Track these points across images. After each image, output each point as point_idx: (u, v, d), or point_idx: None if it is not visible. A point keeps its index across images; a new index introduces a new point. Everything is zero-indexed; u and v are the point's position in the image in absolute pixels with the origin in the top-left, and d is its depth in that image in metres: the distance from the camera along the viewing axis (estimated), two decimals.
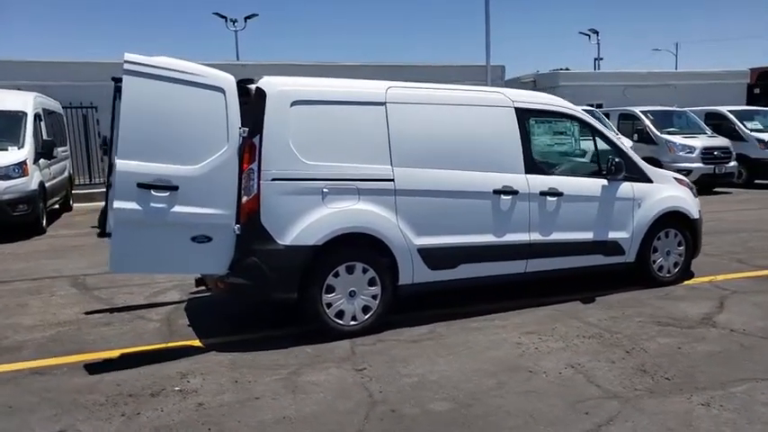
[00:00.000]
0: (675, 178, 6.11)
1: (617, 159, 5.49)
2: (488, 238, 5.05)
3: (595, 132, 5.63)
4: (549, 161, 5.39)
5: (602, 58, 42.01)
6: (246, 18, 31.74)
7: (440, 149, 4.89)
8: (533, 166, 5.23)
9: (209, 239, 4.27)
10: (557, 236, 5.32)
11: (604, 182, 5.56)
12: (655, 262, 5.87)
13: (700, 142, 14.16)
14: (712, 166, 13.90)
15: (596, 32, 40.10)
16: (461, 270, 4.96)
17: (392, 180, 4.67)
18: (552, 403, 3.45)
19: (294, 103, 4.44)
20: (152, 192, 4.08)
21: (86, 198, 14.07)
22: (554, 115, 5.54)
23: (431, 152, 4.84)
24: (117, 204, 4.01)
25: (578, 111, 5.63)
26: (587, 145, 5.72)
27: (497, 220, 5.07)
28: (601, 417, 3.27)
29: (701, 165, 13.80)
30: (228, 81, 4.33)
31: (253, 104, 4.39)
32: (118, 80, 5.38)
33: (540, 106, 5.44)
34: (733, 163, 14.27)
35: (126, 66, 4.01)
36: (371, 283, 4.64)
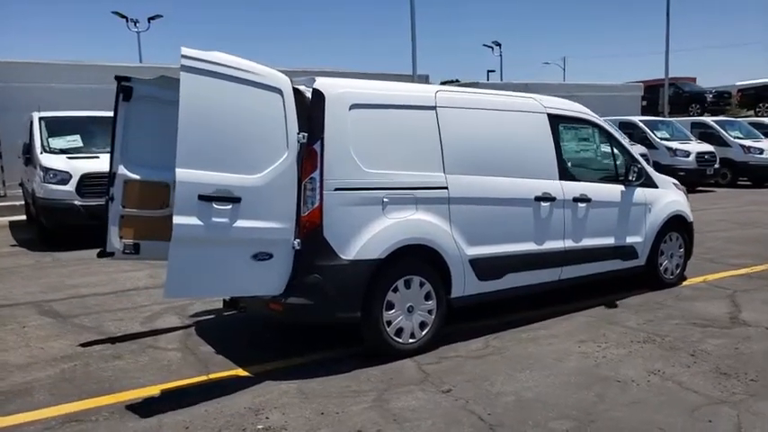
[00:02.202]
0: (673, 183, 6.38)
1: (639, 166, 5.64)
2: (531, 246, 4.98)
3: (612, 139, 5.75)
4: (577, 168, 5.42)
5: (493, 71, 44.16)
6: (150, 19, 29.89)
7: (486, 156, 4.75)
8: (565, 172, 5.24)
9: (270, 256, 3.84)
10: (586, 242, 5.36)
11: (622, 188, 5.69)
12: (661, 264, 6.09)
13: (693, 147, 16.35)
14: (704, 168, 16.09)
15: (499, 45, 41.96)
16: (507, 280, 4.85)
17: (446, 188, 4.47)
18: (668, 413, 3.41)
19: (353, 107, 4.12)
20: (213, 205, 3.60)
21: None
22: (578, 122, 5.59)
23: (479, 158, 4.70)
24: (177, 220, 3.48)
25: (598, 118, 5.73)
26: (604, 152, 5.83)
27: (538, 227, 5.02)
28: (727, 424, 3.27)
29: (696, 167, 15.98)
30: (285, 81, 3.93)
31: (308, 108, 4.02)
32: (122, 79, 4.76)
33: (568, 113, 5.47)
34: (717, 165, 16.38)
35: (183, 61, 3.51)
36: (428, 297, 4.41)
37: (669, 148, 16.28)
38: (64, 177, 9.40)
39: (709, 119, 18.73)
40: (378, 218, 4.15)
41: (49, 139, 10.21)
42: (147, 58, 28.97)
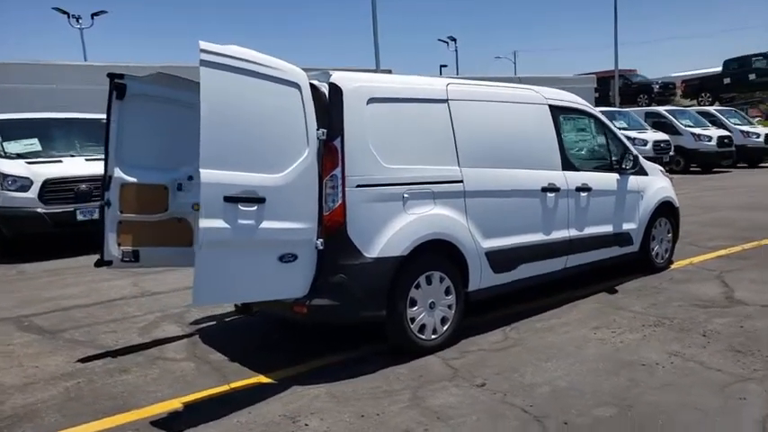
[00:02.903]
0: (660, 170, 6.55)
1: (633, 155, 5.76)
2: (540, 237, 5.01)
3: (607, 129, 5.85)
4: (577, 158, 5.48)
5: (446, 65, 44.52)
6: (94, 15, 28.66)
7: (496, 148, 4.75)
8: (567, 162, 5.29)
9: (294, 258, 3.72)
10: (588, 230, 5.44)
11: (617, 176, 5.80)
12: (653, 249, 6.25)
13: (650, 136, 17.19)
14: (661, 156, 16.68)
15: (454, 40, 42.26)
16: (519, 271, 4.86)
17: (461, 181, 4.43)
18: (700, 393, 3.48)
19: (370, 101, 4.04)
20: (239, 206, 3.45)
21: None
22: (576, 112, 5.66)
23: (489, 151, 4.69)
24: (203, 224, 3.31)
25: (594, 108, 5.81)
26: (600, 141, 5.92)
27: (545, 217, 5.06)
28: (758, 399, 3.36)
29: (654, 155, 16.22)
30: (303, 76, 3.80)
31: (325, 103, 3.91)
32: (115, 77, 4.52)
33: (566, 103, 5.52)
34: (672, 153, 17.41)
35: (203, 56, 3.34)
36: (447, 292, 4.37)
37: (628, 138, 16.78)
38: (24, 184, 8.88)
39: (661, 109, 19.44)
40: (399, 214, 4.07)
41: (4, 144, 9.65)
42: (91, 57, 27.80)
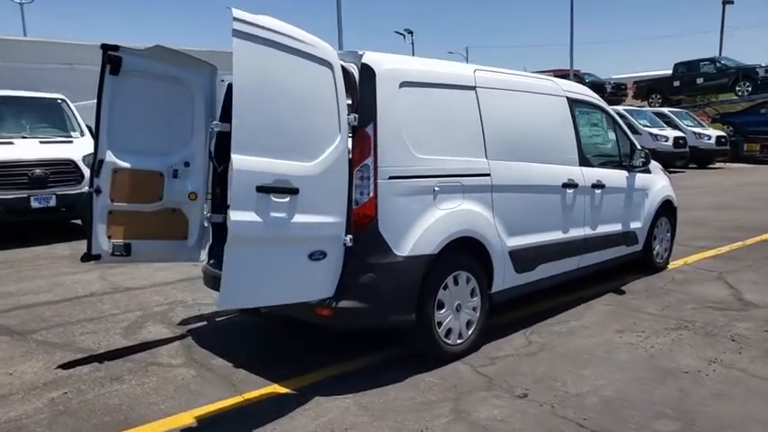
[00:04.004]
0: (660, 167, 6.46)
1: (645, 152, 5.62)
2: (558, 235, 4.79)
3: (617, 125, 5.69)
4: (591, 153, 5.28)
5: None
6: None
7: (521, 140, 4.48)
8: (583, 158, 5.09)
9: (324, 255, 3.34)
10: (600, 229, 5.26)
11: (626, 173, 5.65)
12: (654, 249, 6.16)
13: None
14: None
15: (411, 32, 41.96)
16: (539, 271, 4.63)
17: (489, 175, 4.14)
18: (757, 404, 3.33)
19: (402, 85, 3.68)
20: (272, 197, 3.04)
21: None
22: (590, 106, 5.45)
23: (515, 143, 4.41)
24: (234, 216, 2.88)
25: (605, 103, 5.64)
26: (611, 137, 5.75)
27: (564, 215, 4.84)
28: None
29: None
30: (334, 54, 3.41)
31: (357, 86, 3.53)
32: (109, 48, 3.98)
33: (582, 97, 5.32)
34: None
35: (236, 25, 2.90)
36: (473, 293, 4.08)
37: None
38: None
39: (620, 108, 19.77)
40: (429, 209, 3.75)
41: None
42: (31, 32, 26.03)
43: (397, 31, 43.06)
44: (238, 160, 2.89)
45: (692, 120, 21.16)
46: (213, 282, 4.31)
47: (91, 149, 8.61)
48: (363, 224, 3.48)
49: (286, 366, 3.91)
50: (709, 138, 19.81)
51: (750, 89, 24.09)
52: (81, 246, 7.83)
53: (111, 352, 4.25)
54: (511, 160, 4.33)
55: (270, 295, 3.26)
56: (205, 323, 4.87)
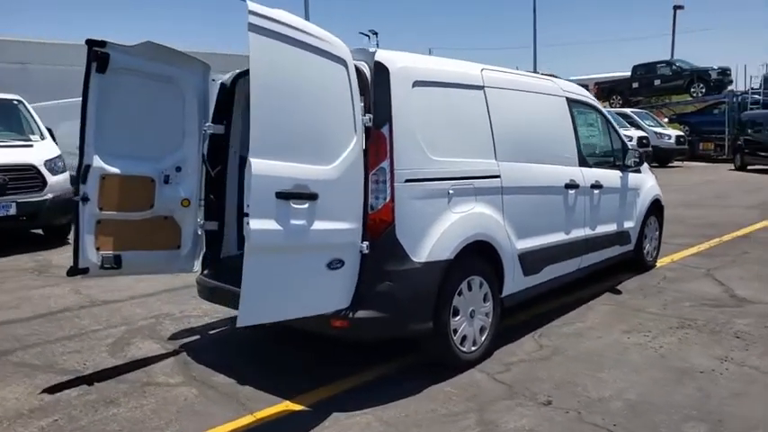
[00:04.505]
0: (647, 167, 6.50)
1: (639, 152, 5.63)
2: (562, 237, 4.73)
3: (610, 125, 5.69)
4: (588, 154, 5.24)
5: None
6: None
7: (526, 140, 4.40)
8: (582, 158, 5.05)
9: (341, 264, 3.16)
10: (599, 229, 5.24)
11: (620, 173, 5.64)
12: (644, 248, 6.18)
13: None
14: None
15: (375, 33, 41.62)
16: (544, 274, 4.55)
17: (499, 177, 4.04)
18: None
19: (416, 84, 3.55)
20: (291, 204, 2.85)
21: None
22: (586, 106, 5.42)
23: (521, 143, 4.33)
24: (254, 225, 2.68)
25: (599, 103, 5.62)
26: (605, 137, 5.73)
27: (567, 216, 4.79)
28: None
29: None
30: (348, 52, 3.25)
31: (369, 85, 3.37)
32: (95, 44, 3.71)
33: (579, 97, 5.29)
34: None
35: (252, 19, 2.70)
36: (485, 298, 3.96)
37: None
38: None
39: None
40: (444, 212, 3.62)
41: None
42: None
43: (361, 32, 42.73)
44: (257, 165, 2.70)
45: (653, 120, 21.70)
46: (210, 293, 4.09)
47: (53, 153, 8.37)
48: (380, 230, 3.32)
49: (296, 380, 3.71)
50: (670, 137, 20.33)
51: (704, 90, 24.87)
52: (46, 257, 7.45)
53: (100, 372, 3.96)
54: (518, 161, 4.24)
55: (290, 309, 3.06)
56: (198, 337, 4.61)
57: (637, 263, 6.13)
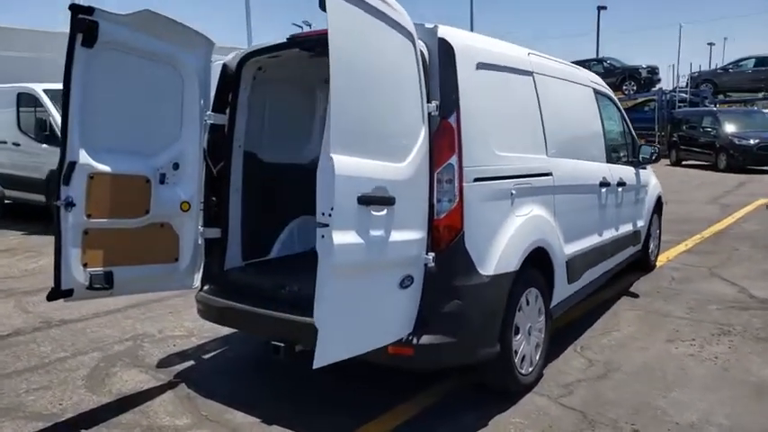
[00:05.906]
0: None
1: (656, 147, 5.35)
2: (596, 239, 4.37)
3: (625, 119, 5.39)
4: (611, 149, 4.90)
5: None
6: None
7: (570, 134, 4.00)
8: (609, 155, 4.71)
9: (411, 281, 2.61)
10: (622, 229, 4.94)
11: (634, 169, 5.36)
12: (650, 247, 5.97)
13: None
14: None
15: (309, 25, 40.55)
16: (583, 279, 4.17)
17: (551, 174, 3.60)
18: None
19: (479, 66, 3.03)
20: (371, 211, 2.27)
21: None
22: (607, 98, 5.06)
23: (567, 138, 3.92)
24: (338, 238, 2.08)
25: (614, 94, 5.31)
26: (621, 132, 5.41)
27: (601, 216, 4.43)
28: None
29: None
30: (412, 24, 2.68)
31: (428, 67, 2.82)
32: (80, 10, 2.95)
33: (602, 89, 4.93)
34: None
35: None
36: (539, 312, 3.52)
37: None
38: None
39: None
40: (508, 216, 3.14)
41: None
42: None
43: (294, 23, 41.65)
44: (340, 162, 2.10)
45: None
46: (219, 315, 3.43)
47: None
48: (447, 239, 2.80)
49: (329, 415, 3.14)
50: None
51: (635, 88, 25.71)
52: None
53: (84, 415, 3.23)
54: (565, 157, 3.82)
55: (368, 340, 2.47)
56: (193, 363, 3.92)
57: (642, 263, 5.90)
